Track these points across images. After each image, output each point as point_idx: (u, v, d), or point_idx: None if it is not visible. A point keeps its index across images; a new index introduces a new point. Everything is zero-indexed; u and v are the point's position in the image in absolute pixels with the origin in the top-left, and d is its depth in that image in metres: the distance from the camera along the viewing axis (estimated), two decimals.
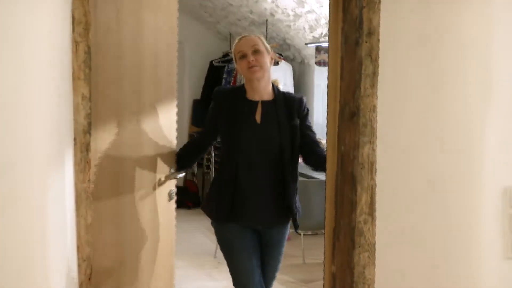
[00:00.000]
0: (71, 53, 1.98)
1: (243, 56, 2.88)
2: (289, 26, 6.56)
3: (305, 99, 3.12)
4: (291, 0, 5.91)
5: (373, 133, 2.35)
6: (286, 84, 6.78)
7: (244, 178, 2.86)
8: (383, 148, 2.35)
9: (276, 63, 6.79)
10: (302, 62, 7.02)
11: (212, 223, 3.01)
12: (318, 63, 6.67)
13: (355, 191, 2.38)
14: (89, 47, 2.03)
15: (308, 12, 5.97)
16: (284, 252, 3.14)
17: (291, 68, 6.85)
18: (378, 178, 2.34)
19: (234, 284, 2.97)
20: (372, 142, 2.35)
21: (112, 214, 2.49)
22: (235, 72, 7.23)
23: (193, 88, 8.18)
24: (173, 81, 2.90)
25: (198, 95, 8.17)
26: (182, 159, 3.06)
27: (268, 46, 2.96)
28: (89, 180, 2.07)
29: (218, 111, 2.97)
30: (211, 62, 7.93)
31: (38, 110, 1.55)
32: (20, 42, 1.35)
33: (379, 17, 2.36)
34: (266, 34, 6.87)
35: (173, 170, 2.98)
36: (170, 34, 2.83)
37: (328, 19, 2.57)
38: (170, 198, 2.95)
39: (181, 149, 3.11)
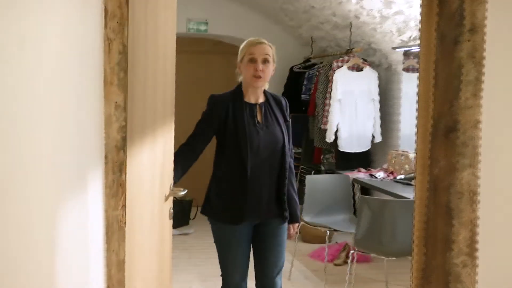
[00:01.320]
0: (103, 53, 1.64)
1: (252, 60, 3.06)
2: (375, 29, 6.07)
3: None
4: (378, 0, 5.43)
5: (475, 155, 1.90)
6: (371, 92, 6.29)
7: (253, 177, 3.03)
8: (487, 174, 1.89)
9: (361, 69, 6.31)
10: (388, 68, 6.50)
11: (213, 224, 3.16)
12: (406, 69, 6.14)
13: (451, 226, 1.93)
14: (124, 46, 1.68)
15: (396, 13, 5.47)
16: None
17: (377, 75, 6.35)
18: (481, 210, 1.89)
19: (223, 275, 3.23)
20: (473, 165, 1.90)
21: (143, 246, 2.11)
22: (316, 78, 6.81)
23: None
24: (173, 87, 2.54)
25: None
26: (179, 165, 2.97)
27: (275, 57, 3.16)
28: (123, 206, 1.71)
29: (218, 115, 3.07)
30: (292, 67, 7.57)
31: (39, 122, 1.20)
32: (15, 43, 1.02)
33: (485, 10, 1.90)
34: (350, 38, 6.41)
35: (173, 186, 2.64)
36: (173, 36, 2.49)
37: (419, 20, 2.13)
38: (170, 217, 2.60)
39: (176, 156, 2.95)
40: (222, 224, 3.12)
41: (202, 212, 3.26)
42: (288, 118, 3.25)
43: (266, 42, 3.12)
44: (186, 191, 2.75)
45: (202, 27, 7.97)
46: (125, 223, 1.71)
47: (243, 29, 7.93)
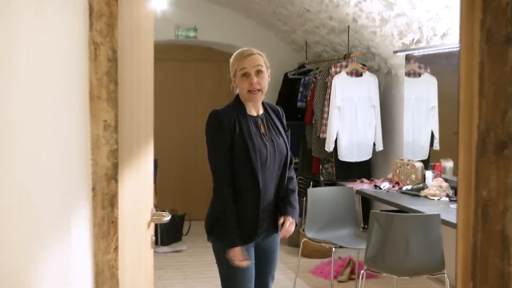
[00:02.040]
0: (88, 61, 1.31)
1: (246, 75, 2.96)
2: (374, 33, 5.79)
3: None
4: (378, 2, 5.14)
5: None
6: (371, 98, 6.00)
7: (264, 190, 2.95)
8: None
9: (360, 75, 6.02)
10: (388, 73, 6.22)
11: (221, 246, 2.94)
12: (408, 74, 5.86)
13: (508, 259, 1.62)
14: (114, 52, 1.36)
15: (398, 15, 5.19)
16: None
17: (377, 80, 6.07)
18: None
19: None
20: None
21: None
22: (312, 85, 6.51)
23: None
24: (152, 99, 2.21)
25: None
26: (234, 220, 2.89)
27: (267, 63, 3.04)
28: (115, 249, 1.39)
29: (230, 130, 2.92)
30: (286, 74, 7.29)
31: (9, 150, 0.89)
32: None
33: None
34: (348, 42, 6.12)
35: (155, 210, 2.30)
36: (151, 37, 2.15)
37: (459, 16, 1.83)
38: (152, 245, 2.25)
39: (228, 211, 2.89)
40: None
41: (210, 233, 3.04)
42: (286, 128, 3.16)
43: (255, 51, 3.01)
44: (170, 217, 2.43)
45: (191, 34, 7.66)
46: (117, 268, 1.38)
47: (234, 35, 7.64)
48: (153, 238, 2.24)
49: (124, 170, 1.55)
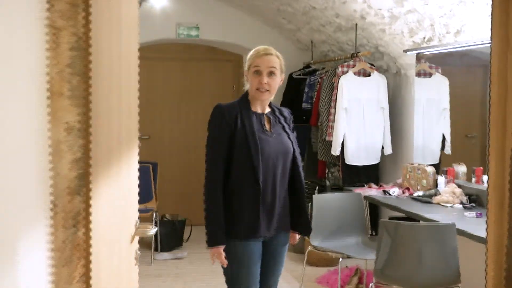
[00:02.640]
0: (46, 49, 1.07)
1: (258, 72, 2.96)
2: (383, 31, 5.53)
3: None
4: None
5: None
6: (380, 99, 5.74)
7: (265, 187, 2.91)
8: None
9: (368, 75, 5.77)
10: (398, 73, 5.96)
11: (231, 241, 2.92)
12: (418, 74, 5.60)
13: None
14: (79, 39, 1.11)
15: (409, 12, 4.93)
16: None
17: (385, 80, 5.81)
18: None
19: None
20: None
21: None
22: (318, 86, 6.26)
23: None
24: (137, 99, 1.95)
25: None
26: (220, 219, 2.89)
27: (283, 67, 3.05)
28: (82, 276, 1.14)
29: (229, 124, 2.91)
30: (291, 74, 7.04)
31: None
32: None
33: None
34: (356, 41, 5.87)
35: (139, 223, 2.04)
36: (136, 32, 1.89)
37: (490, 8, 1.58)
38: (136, 262, 1.99)
39: (214, 208, 2.90)
40: (234, 241, 2.92)
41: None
42: (293, 130, 3.13)
43: (273, 52, 3.01)
44: (156, 229, 2.18)
45: (193, 32, 7.42)
46: None
47: (237, 34, 7.39)
48: (138, 253, 1.98)
49: (99, 181, 1.31)
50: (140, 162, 6.80)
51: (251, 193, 2.91)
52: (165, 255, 6.27)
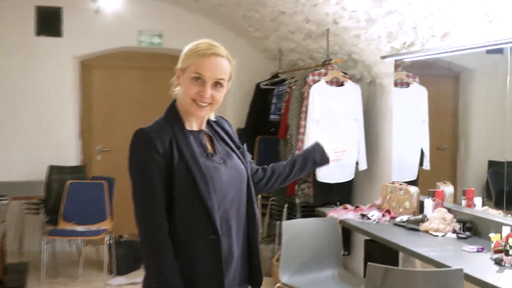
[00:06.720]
0: None
1: (199, 79, 1.91)
2: (358, 36, 4.57)
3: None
4: None
5: None
6: (354, 110, 4.77)
7: (223, 229, 1.92)
8: None
9: (341, 84, 4.80)
10: (372, 82, 4.99)
11: None
12: (395, 84, 4.64)
13: None
14: None
15: (389, 13, 3.97)
16: None
17: (360, 90, 4.84)
18: None
19: None
20: None
21: None
22: (287, 96, 5.27)
23: (237, 116, 6.28)
24: None
25: (242, 124, 6.29)
26: (174, 265, 1.84)
27: (232, 74, 1.99)
28: None
29: (164, 155, 1.88)
30: (258, 84, 6.07)
31: None
32: None
33: None
34: (327, 48, 4.89)
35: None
36: None
37: None
38: None
39: (167, 264, 1.83)
40: None
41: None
42: (240, 144, 2.14)
43: (223, 53, 1.95)
44: None
45: (156, 40, 6.39)
46: None
47: None
48: None
49: None
50: (93, 178, 5.53)
51: (207, 241, 1.91)
52: (121, 279, 5.18)
